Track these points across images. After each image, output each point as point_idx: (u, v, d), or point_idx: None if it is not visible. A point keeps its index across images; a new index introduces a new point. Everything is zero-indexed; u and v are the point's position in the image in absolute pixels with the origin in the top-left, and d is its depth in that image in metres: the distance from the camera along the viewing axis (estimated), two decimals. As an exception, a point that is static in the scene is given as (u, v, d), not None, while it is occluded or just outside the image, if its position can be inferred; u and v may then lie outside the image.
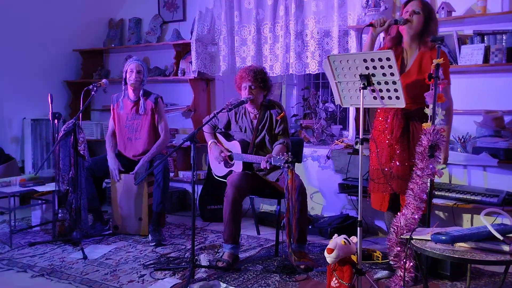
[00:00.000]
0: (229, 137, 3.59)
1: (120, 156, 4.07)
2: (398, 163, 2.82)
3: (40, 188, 3.92)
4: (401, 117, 2.82)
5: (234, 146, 3.49)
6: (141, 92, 4.02)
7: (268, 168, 3.20)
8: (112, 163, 3.96)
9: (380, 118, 2.94)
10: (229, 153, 3.51)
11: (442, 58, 2.52)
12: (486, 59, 3.48)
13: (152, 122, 4.03)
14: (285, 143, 3.42)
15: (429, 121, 2.48)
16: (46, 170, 4.95)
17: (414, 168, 2.47)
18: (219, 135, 3.65)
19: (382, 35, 3.40)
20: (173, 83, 5.25)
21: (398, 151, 2.82)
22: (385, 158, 2.86)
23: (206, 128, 3.63)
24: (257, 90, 3.40)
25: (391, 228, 2.44)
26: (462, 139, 3.59)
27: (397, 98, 2.48)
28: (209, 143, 3.60)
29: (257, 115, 3.48)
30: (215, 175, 3.67)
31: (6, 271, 3.18)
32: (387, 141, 2.86)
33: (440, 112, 2.49)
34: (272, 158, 3.12)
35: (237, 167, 3.47)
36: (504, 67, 3.50)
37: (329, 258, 2.58)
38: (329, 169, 4.31)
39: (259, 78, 3.39)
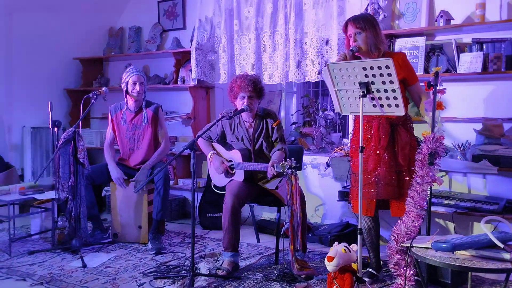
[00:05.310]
0: (228, 147, 3.57)
1: (121, 165, 4.07)
2: (384, 169, 2.85)
3: (39, 196, 3.92)
4: (387, 125, 2.85)
5: (235, 155, 3.47)
6: (143, 103, 4.03)
7: (274, 174, 3.20)
8: (114, 172, 3.93)
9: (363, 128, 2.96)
10: (229, 163, 3.49)
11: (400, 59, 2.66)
12: (485, 67, 3.49)
13: (153, 132, 4.03)
14: (283, 149, 3.44)
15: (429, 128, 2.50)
16: (45, 178, 4.94)
17: (414, 176, 2.47)
18: (217, 145, 3.61)
19: None
20: (173, 91, 5.26)
21: (385, 158, 2.85)
22: (372, 165, 2.88)
23: (202, 141, 3.60)
24: (255, 99, 3.43)
25: (392, 236, 2.43)
26: (462, 147, 3.59)
27: (397, 105, 2.49)
28: (209, 154, 3.56)
29: (253, 124, 3.50)
30: (215, 186, 3.65)
31: (5, 280, 3.17)
32: (373, 149, 2.88)
33: (439, 120, 2.51)
34: (275, 165, 3.14)
35: (239, 176, 3.45)
36: (503, 75, 3.51)
37: (330, 266, 2.57)
38: (329, 177, 4.31)
39: (258, 88, 3.43)
